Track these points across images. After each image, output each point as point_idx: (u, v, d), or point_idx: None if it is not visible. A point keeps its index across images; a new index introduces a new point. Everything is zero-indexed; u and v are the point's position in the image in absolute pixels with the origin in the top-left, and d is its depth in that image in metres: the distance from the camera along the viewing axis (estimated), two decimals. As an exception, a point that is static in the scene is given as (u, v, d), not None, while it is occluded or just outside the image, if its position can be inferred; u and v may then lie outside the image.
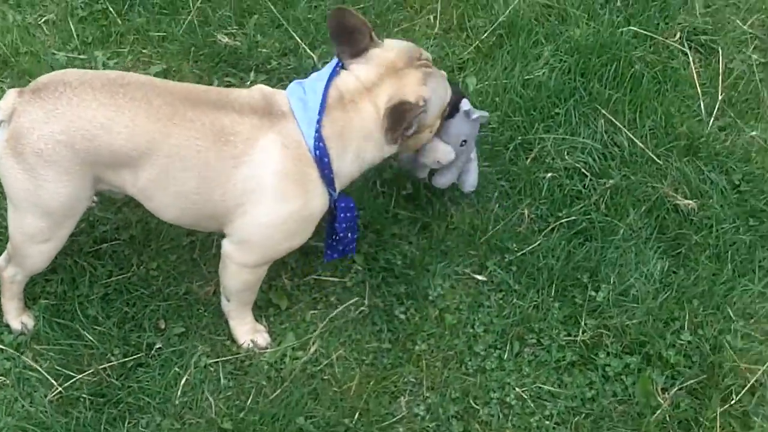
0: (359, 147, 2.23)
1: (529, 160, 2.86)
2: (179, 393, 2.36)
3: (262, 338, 2.49)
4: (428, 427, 2.37)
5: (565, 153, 2.87)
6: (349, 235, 2.39)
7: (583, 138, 2.89)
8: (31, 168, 2.09)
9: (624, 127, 2.91)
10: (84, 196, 2.18)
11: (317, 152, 2.16)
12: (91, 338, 2.41)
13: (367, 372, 2.45)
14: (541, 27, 3.16)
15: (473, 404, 2.40)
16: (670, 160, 2.86)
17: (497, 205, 2.76)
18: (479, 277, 2.63)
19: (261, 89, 2.26)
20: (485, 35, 3.15)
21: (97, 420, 2.28)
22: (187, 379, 2.39)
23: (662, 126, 2.92)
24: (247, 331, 2.48)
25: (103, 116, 2.07)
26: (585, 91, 2.99)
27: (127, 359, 2.40)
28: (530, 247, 2.67)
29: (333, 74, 2.25)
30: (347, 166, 2.24)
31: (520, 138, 2.88)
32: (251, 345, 2.47)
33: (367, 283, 2.59)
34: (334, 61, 2.32)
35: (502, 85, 3.00)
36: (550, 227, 2.72)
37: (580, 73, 3.03)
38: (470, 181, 2.63)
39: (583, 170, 2.82)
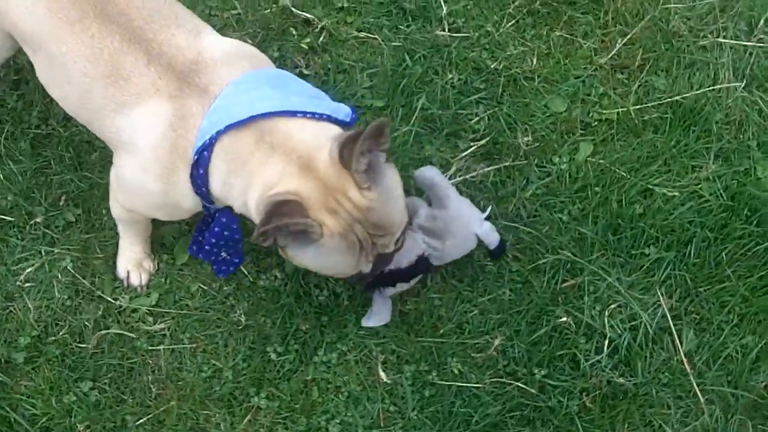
0: (244, 191, 2.00)
1: (561, 286, 2.47)
2: (23, 278, 2.53)
3: (137, 277, 2.55)
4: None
5: (609, 307, 2.43)
6: (222, 254, 2.30)
7: (644, 307, 2.42)
8: None
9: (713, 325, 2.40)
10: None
11: (195, 157, 2.01)
12: (-1, 173, 2.64)
13: (192, 385, 2.42)
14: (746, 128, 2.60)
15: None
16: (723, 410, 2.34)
17: (473, 314, 2.47)
18: (382, 375, 2.41)
19: (205, 50, 2.05)
20: (649, 105, 2.66)
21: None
22: (34, 269, 2.54)
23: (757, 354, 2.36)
24: (129, 260, 2.55)
25: None
26: (710, 244, 2.46)
27: (5, 217, 2.59)
28: (464, 384, 2.38)
29: (297, 113, 1.99)
30: (224, 195, 2.04)
31: (570, 255, 2.48)
32: (123, 276, 2.55)
33: (275, 296, 2.50)
34: (341, 110, 2.05)
35: (612, 176, 2.56)
36: (508, 378, 2.38)
37: (729, 210, 2.49)
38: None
39: (608, 340, 2.39)
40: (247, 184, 1.99)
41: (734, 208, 2.54)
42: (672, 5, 2.83)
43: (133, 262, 2.56)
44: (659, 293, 2.47)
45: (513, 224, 2.55)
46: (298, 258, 2.04)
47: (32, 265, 2.55)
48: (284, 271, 2.54)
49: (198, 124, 2.00)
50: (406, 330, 2.48)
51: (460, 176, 2.61)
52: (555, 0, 2.82)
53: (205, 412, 2.42)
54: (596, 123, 2.66)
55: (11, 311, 2.52)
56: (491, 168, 2.61)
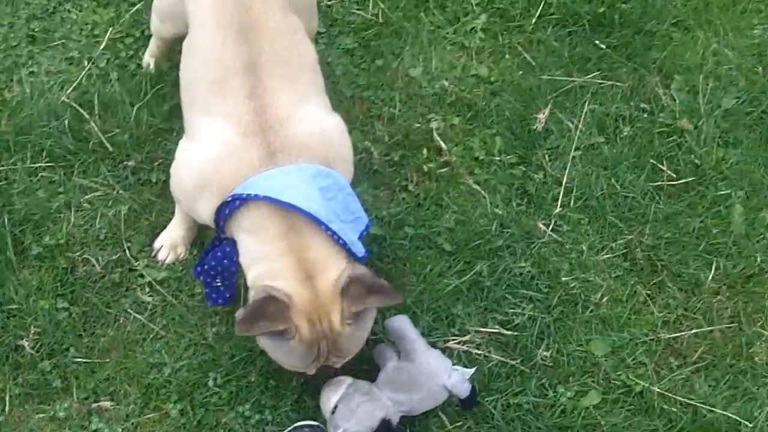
0: (252, 259, 2.20)
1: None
2: (86, 198, 2.72)
3: (164, 254, 2.68)
4: None
5: None
6: (218, 282, 2.35)
7: None
8: None
9: None
10: None
11: (229, 199, 2.16)
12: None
13: (136, 362, 2.47)
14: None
15: None
16: None
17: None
18: None
19: (302, 121, 2.21)
20: (675, 397, 2.46)
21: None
22: (98, 197, 2.71)
23: None
24: (169, 237, 2.70)
25: None
26: None
27: (109, 147, 2.81)
28: None
29: (328, 224, 2.16)
30: (235, 239, 2.25)
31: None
32: (156, 248, 2.69)
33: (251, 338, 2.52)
34: (363, 252, 2.24)
35: (598, 438, 2.38)
36: None
37: None
38: None
39: None
40: (258, 256, 2.20)
41: None
42: None
43: (170, 240, 2.71)
44: None
45: (483, 418, 2.47)
46: (263, 344, 2.26)
47: (99, 193, 2.76)
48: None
49: (247, 175, 2.18)
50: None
51: (466, 347, 2.56)
52: (660, 259, 2.75)
53: (129, 387, 2.48)
54: (617, 383, 2.51)
55: (60, 216, 2.73)
56: (499, 358, 2.54)
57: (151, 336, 2.56)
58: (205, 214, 2.31)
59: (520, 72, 3.19)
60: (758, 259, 2.78)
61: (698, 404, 2.50)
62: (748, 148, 3.05)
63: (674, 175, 2.96)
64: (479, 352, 2.56)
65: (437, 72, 3.13)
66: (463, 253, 2.72)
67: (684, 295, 2.71)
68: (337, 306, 2.15)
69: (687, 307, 2.69)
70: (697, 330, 2.63)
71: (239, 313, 2.15)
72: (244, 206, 2.18)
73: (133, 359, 2.53)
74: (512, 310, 2.63)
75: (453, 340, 2.57)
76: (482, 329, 2.60)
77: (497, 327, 2.59)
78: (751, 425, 2.49)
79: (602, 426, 2.45)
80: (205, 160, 2.26)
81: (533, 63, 3.20)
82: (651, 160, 2.97)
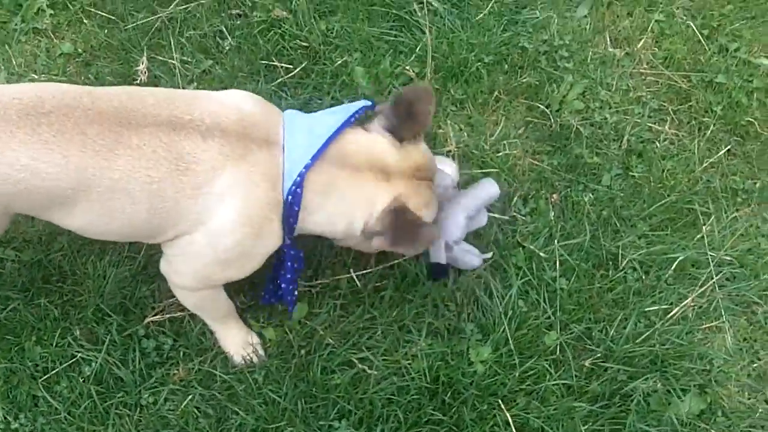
0: (336, 214, 2.12)
1: None
2: None
3: (246, 358, 2.40)
4: None
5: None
6: (291, 287, 2.28)
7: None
8: None
9: None
10: None
11: (289, 197, 2.01)
12: None
13: None
14: (473, 308, 2.43)
15: None
16: None
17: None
18: None
19: (240, 107, 2.05)
20: (371, 271, 2.50)
21: None
22: None
23: None
24: (237, 344, 2.41)
25: (27, 156, 1.93)
26: (401, 426, 2.24)
27: None
28: None
29: (349, 121, 2.14)
30: (313, 224, 2.13)
31: (253, 421, 2.26)
32: (238, 362, 2.39)
33: None
34: (359, 105, 2.19)
35: (319, 341, 2.37)
36: None
37: (427, 392, 2.28)
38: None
39: None
40: (351, 205, 2.10)
41: (435, 390, 2.33)
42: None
43: (240, 344, 2.42)
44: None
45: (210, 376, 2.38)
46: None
47: None
48: None
49: (280, 171, 2.03)
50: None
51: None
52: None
53: None
54: (318, 287, 2.49)
55: None
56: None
57: None
58: (272, 247, 2.12)
59: (105, 31, 3.02)
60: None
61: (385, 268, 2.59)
62: (346, 9, 3.05)
63: (290, 66, 2.92)
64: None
65: (22, 69, 2.88)
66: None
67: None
68: (408, 154, 2.15)
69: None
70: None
71: (383, 244, 2.14)
72: (304, 189, 2.04)
73: None
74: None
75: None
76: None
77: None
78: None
79: (320, 333, 2.37)
80: (243, 212, 2.01)
81: (113, 17, 3.03)
82: (262, 62, 2.91)
